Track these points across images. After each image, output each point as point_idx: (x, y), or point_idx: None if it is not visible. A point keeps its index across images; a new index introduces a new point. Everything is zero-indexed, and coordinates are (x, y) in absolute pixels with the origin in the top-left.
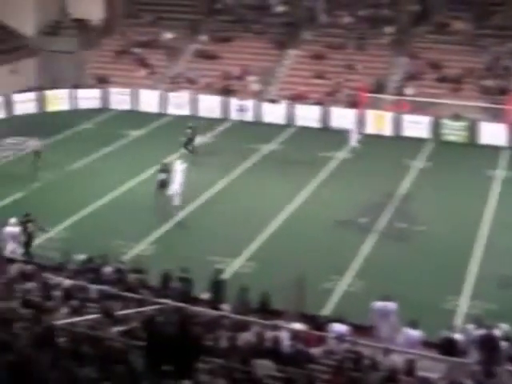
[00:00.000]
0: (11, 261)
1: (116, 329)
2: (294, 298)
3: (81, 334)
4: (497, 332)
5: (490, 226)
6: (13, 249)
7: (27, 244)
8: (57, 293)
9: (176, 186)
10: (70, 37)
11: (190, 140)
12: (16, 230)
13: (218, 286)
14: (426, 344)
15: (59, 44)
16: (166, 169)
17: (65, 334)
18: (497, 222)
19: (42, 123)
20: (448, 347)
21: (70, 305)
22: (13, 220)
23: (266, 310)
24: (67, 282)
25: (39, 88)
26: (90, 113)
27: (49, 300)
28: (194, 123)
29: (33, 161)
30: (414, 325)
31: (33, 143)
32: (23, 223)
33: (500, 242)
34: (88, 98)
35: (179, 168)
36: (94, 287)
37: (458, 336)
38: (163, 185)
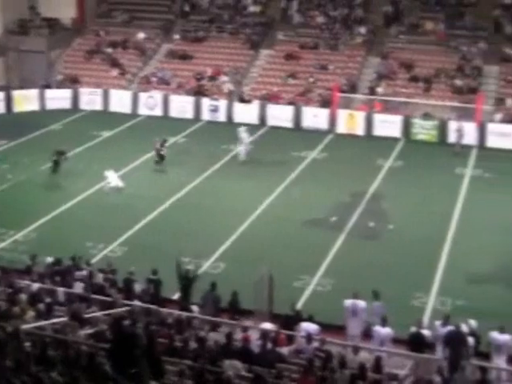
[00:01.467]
0: None
1: (83, 332)
2: (261, 296)
3: (48, 338)
4: (464, 328)
5: (459, 223)
6: None
7: None
8: (23, 296)
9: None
10: (40, 36)
11: (57, 163)
12: None
13: (187, 287)
14: (396, 341)
15: (28, 43)
16: (164, 145)
17: (31, 338)
18: (465, 219)
19: (9, 124)
20: (416, 343)
21: (36, 308)
22: None
23: (235, 310)
24: (34, 286)
25: (7, 88)
26: (59, 113)
27: (15, 304)
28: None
29: None
30: (383, 322)
31: None
32: None
33: (468, 239)
34: (58, 98)
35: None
36: (61, 290)
37: (425, 332)
38: (162, 158)
